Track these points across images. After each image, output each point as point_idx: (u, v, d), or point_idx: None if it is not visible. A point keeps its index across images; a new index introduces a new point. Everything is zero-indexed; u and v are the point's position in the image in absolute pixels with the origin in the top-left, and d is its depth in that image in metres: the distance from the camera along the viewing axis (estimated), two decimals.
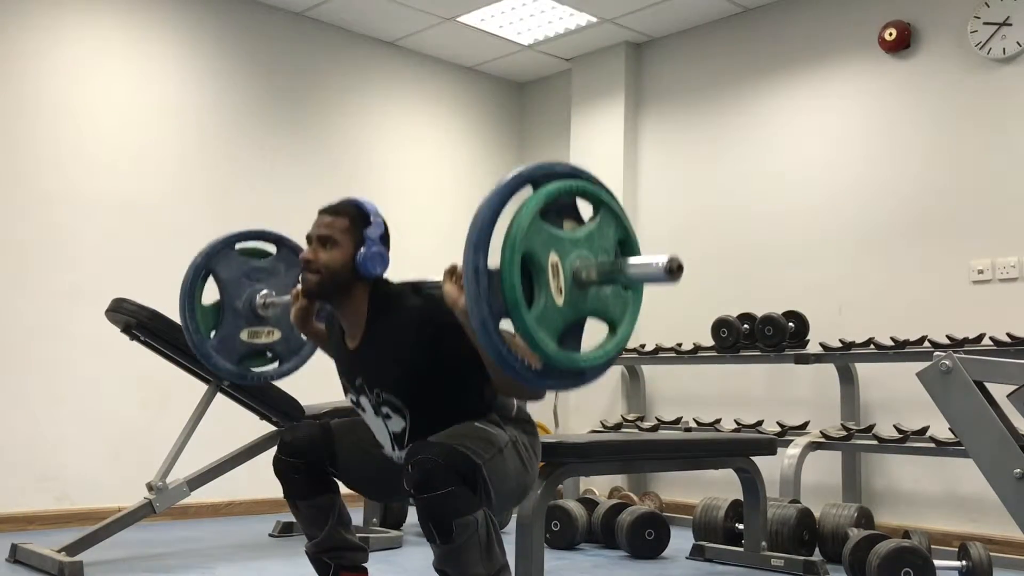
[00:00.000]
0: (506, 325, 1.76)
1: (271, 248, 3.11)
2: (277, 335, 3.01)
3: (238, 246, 3.02)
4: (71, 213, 4.49)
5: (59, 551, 3.25)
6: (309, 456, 2.37)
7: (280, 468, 2.40)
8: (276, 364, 3.07)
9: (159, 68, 4.86)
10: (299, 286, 2.39)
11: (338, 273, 2.25)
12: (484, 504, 2.09)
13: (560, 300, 1.78)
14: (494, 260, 1.73)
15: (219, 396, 3.66)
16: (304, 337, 2.68)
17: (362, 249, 2.25)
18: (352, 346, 2.31)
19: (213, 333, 2.98)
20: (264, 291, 2.97)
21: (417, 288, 2.28)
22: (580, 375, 1.89)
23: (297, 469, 2.37)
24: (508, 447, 2.20)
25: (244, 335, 2.97)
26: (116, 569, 3.32)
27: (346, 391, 2.38)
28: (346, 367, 2.36)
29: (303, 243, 2.37)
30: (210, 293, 3.09)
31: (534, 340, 1.72)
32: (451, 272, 2.03)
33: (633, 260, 1.87)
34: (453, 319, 2.04)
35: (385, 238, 2.31)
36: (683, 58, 5.54)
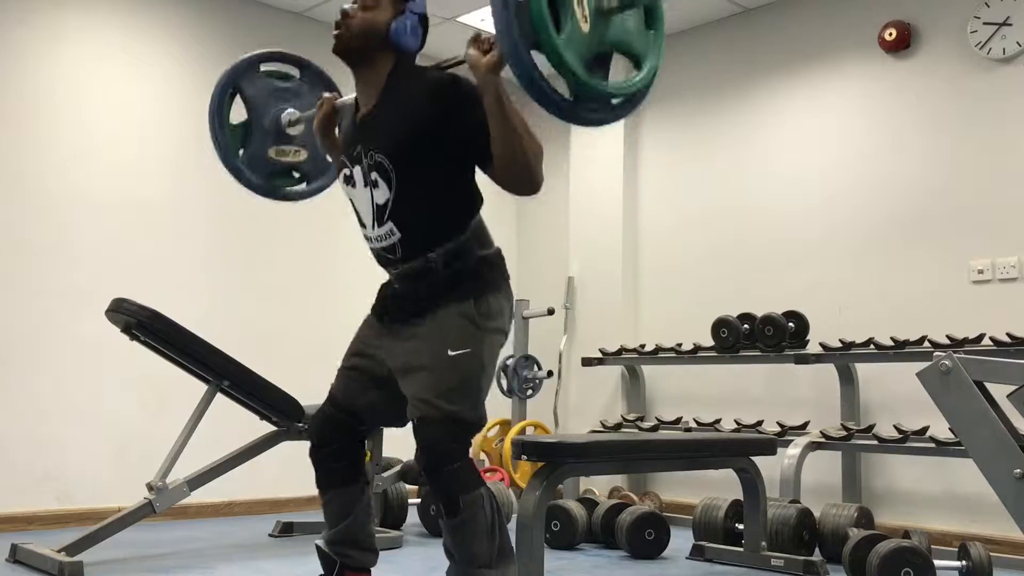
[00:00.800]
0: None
1: (295, 72, 3.10)
2: (304, 155, 3.00)
3: (263, 67, 3.00)
4: (71, 213, 4.50)
5: (59, 551, 3.25)
6: (339, 437, 2.39)
7: (315, 459, 2.41)
8: (304, 184, 3.06)
9: (159, 68, 4.86)
10: (323, 96, 2.50)
11: (371, 35, 2.28)
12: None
13: (585, 27, 1.87)
14: None
15: (219, 396, 3.66)
16: (324, 149, 2.67)
17: (400, 19, 2.28)
18: (363, 112, 2.33)
19: (241, 152, 2.97)
20: (290, 109, 2.97)
21: (439, 66, 2.31)
22: (609, 105, 1.98)
23: (333, 457, 2.39)
24: (485, 351, 2.23)
25: (272, 152, 2.96)
26: (116, 569, 3.33)
27: (340, 170, 2.39)
28: (349, 139, 2.36)
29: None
30: (235, 117, 3.06)
31: (564, 61, 1.81)
32: (475, 38, 2.08)
33: None
34: (471, 98, 2.11)
35: (424, 19, 2.34)
36: (683, 58, 5.53)
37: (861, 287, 4.65)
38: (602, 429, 5.05)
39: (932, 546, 3.55)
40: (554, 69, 1.85)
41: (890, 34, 4.60)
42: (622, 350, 5.21)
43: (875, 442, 4.06)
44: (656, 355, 5.08)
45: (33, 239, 4.38)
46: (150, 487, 3.46)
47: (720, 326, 4.71)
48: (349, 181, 2.35)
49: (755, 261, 5.09)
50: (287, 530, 4.17)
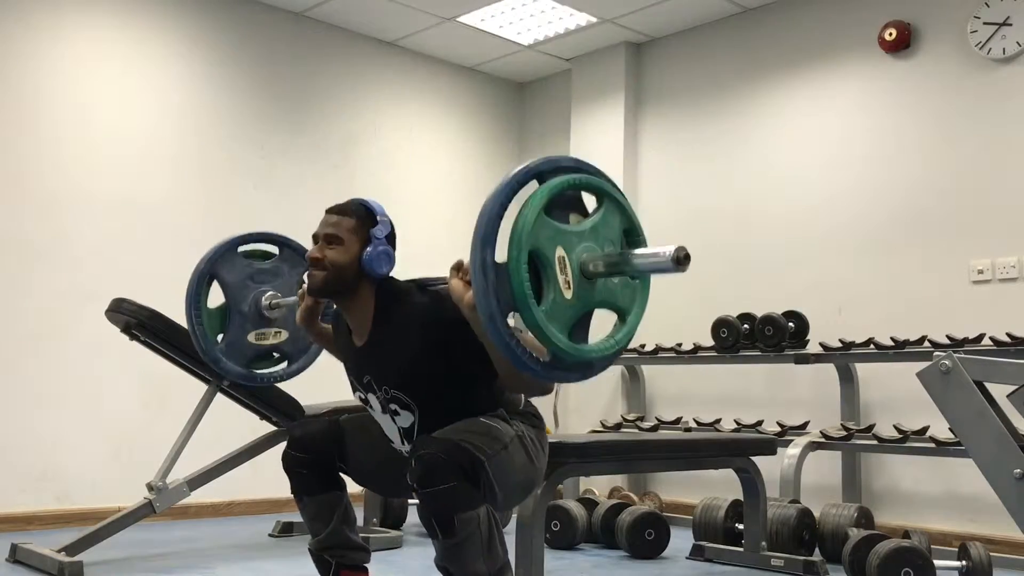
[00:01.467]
0: (511, 323, 1.76)
1: (274, 250, 3.11)
2: (284, 335, 3.01)
3: (241, 249, 3.02)
4: (71, 213, 4.49)
5: (59, 551, 3.25)
6: (318, 452, 2.38)
7: (288, 463, 2.41)
8: (284, 364, 3.07)
9: (159, 68, 4.86)
10: (305, 286, 2.41)
11: (345, 271, 2.26)
12: (488, 500, 2.10)
13: (568, 294, 1.80)
14: (500, 255, 1.74)
15: (219, 396, 3.66)
16: (311, 339, 2.67)
17: (368, 248, 2.26)
18: (359, 344, 2.32)
19: (220, 337, 2.97)
20: (269, 292, 2.97)
21: (423, 286, 2.28)
22: (589, 366, 1.91)
23: (305, 465, 2.38)
24: (514, 442, 2.20)
25: (251, 337, 2.97)
26: (116, 569, 3.32)
27: (354, 389, 2.39)
28: (353, 365, 2.37)
29: (306, 243, 2.37)
30: (215, 298, 3.09)
31: (545, 335, 1.74)
32: (457, 268, 2.04)
33: (640, 251, 1.87)
34: (459, 315, 2.05)
35: (391, 237, 2.32)
36: (683, 58, 5.54)
37: (861, 287, 4.65)
38: (602, 429, 5.05)
39: (932, 546, 3.55)
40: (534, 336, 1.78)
41: (890, 34, 4.60)
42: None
43: (875, 442, 4.06)
44: (656, 355, 5.08)
45: (33, 239, 4.38)
46: (150, 487, 3.46)
47: (720, 326, 4.71)
48: (365, 402, 2.37)
49: (755, 261, 5.08)
50: (287, 530, 4.17)
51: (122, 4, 4.76)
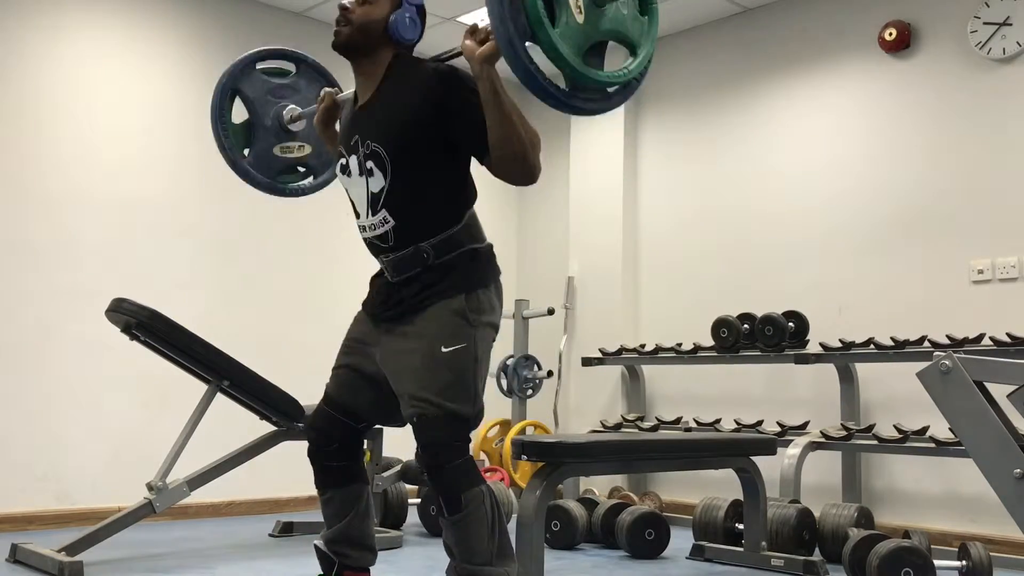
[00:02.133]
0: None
1: (291, 67, 3.11)
2: (308, 149, 3.03)
3: (259, 66, 3.02)
4: (71, 213, 4.49)
5: (59, 551, 3.25)
6: (337, 436, 2.39)
7: (314, 458, 2.42)
8: (311, 179, 3.08)
9: (159, 68, 4.86)
10: (323, 92, 2.54)
11: (370, 29, 2.32)
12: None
13: (580, 18, 1.89)
14: None
15: (219, 396, 3.66)
16: (325, 142, 2.69)
17: (398, 11, 2.32)
18: (361, 103, 2.36)
19: (247, 152, 2.99)
20: (291, 106, 2.99)
21: (437, 58, 2.34)
22: (605, 95, 2.01)
23: (331, 456, 2.39)
24: (478, 355, 2.24)
25: (277, 150, 2.99)
26: (116, 569, 3.32)
27: (337, 160, 2.41)
28: (347, 129, 2.39)
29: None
30: (238, 116, 3.07)
31: (560, 54, 1.84)
32: (471, 30, 2.10)
33: None
34: (467, 88, 2.13)
35: (422, 11, 2.37)
36: (683, 58, 5.54)
37: (861, 287, 4.65)
38: (602, 429, 5.04)
39: (932, 546, 3.55)
40: (550, 61, 1.86)
41: (890, 34, 4.60)
42: (622, 350, 5.21)
43: (875, 442, 4.06)
44: (656, 355, 5.08)
45: (34, 239, 4.38)
46: (150, 487, 3.46)
47: (720, 326, 4.71)
48: (345, 170, 2.38)
49: (755, 261, 5.08)
50: (287, 530, 4.17)
51: (122, 4, 4.76)
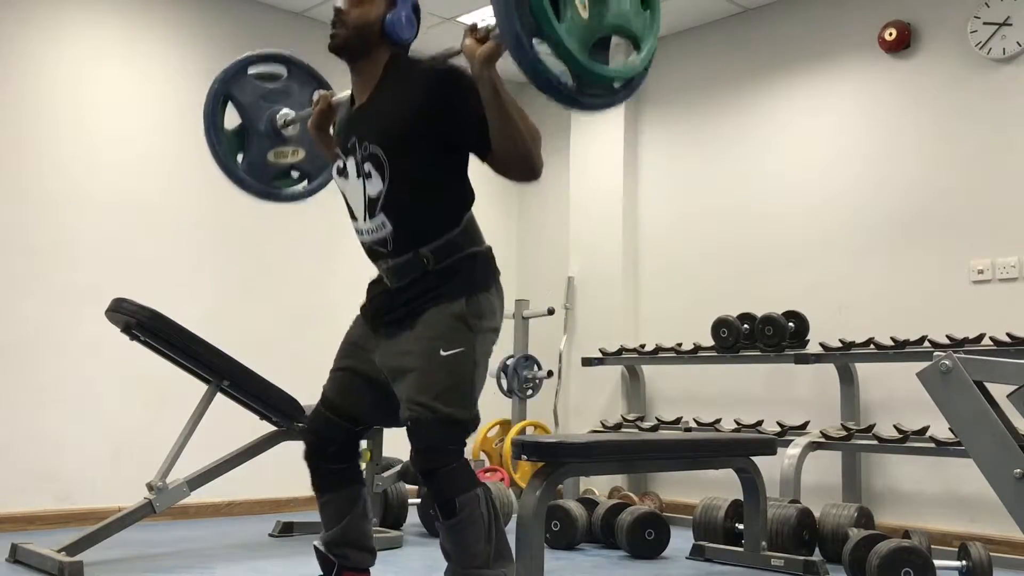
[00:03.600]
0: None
1: (282, 71, 3.10)
2: (302, 154, 3.02)
3: (250, 71, 3.01)
4: (71, 213, 4.50)
5: (59, 551, 3.25)
6: (334, 439, 2.39)
7: (311, 461, 2.41)
8: (305, 183, 3.07)
9: (159, 68, 4.87)
10: (317, 95, 2.53)
11: (366, 30, 2.29)
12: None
13: (584, 13, 1.90)
14: None
15: (219, 396, 3.66)
16: (319, 146, 2.68)
17: (394, 11, 2.30)
18: (359, 104, 2.35)
19: (240, 158, 2.98)
20: (284, 110, 2.98)
21: (435, 57, 2.32)
22: (610, 90, 2.01)
23: (328, 459, 2.39)
24: (477, 359, 2.22)
25: (271, 156, 2.97)
26: (116, 569, 3.33)
27: (336, 161, 2.39)
28: (345, 129, 2.37)
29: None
30: (230, 124, 3.06)
31: (565, 49, 1.84)
32: (471, 29, 2.09)
33: None
34: (467, 87, 2.12)
35: (417, 9, 2.36)
36: (683, 58, 5.54)
37: (861, 287, 4.65)
38: (602, 429, 5.04)
39: (932, 546, 3.55)
40: (556, 57, 1.87)
41: (890, 34, 4.60)
42: (622, 350, 5.21)
43: (875, 442, 4.05)
44: (656, 355, 5.07)
45: (33, 239, 4.38)
46: (150, 487, 3.46)
47: (720, 326, 4.71)
48: (342, 173, 2.36)
49: (755, 261, 5.08)
50: (287, 530, 4.17)
51: (122, 4, 4.76)
